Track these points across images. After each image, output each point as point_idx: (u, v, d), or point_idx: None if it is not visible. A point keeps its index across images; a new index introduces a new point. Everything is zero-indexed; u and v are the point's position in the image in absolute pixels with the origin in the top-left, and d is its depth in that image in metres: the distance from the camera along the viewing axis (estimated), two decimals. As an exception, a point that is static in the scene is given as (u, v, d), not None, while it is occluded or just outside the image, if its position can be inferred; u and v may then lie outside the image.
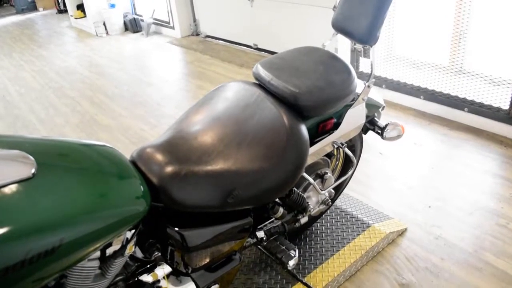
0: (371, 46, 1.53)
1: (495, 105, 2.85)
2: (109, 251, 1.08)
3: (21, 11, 10.24)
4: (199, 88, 4.23)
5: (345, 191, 2.34)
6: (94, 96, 4.35)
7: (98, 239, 0.94)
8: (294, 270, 1.86)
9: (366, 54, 3.52)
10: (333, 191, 1.79)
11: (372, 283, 1.85)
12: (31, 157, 0.90)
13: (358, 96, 1.61)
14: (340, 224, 2.10)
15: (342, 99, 1.48)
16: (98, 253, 1.05)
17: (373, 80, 1.60)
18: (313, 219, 2.04)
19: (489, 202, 2.25)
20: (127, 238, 1.11)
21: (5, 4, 11.74)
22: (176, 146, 1.23)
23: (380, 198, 2.36)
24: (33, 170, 0.87)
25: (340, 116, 1.60)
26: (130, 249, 1.12)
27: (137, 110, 3.86)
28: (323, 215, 2.14)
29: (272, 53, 4.90)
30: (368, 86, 1.60)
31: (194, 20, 6.17)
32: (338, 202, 2.25)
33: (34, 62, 5.83)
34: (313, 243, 2.00)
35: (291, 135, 1.29)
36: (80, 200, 0.92)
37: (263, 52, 5.04)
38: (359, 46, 3.48)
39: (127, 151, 3.17)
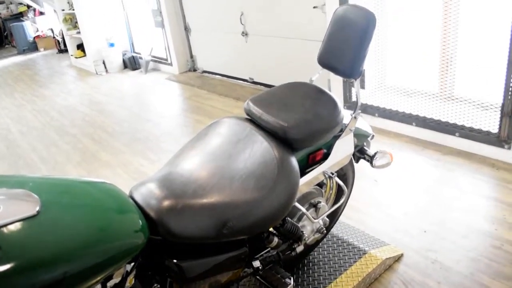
0: (355, 80, 1.61)
1: (484, 129, 2.92)
2: (110, 284, 1.12)
3: (23, 52, 10.48)
4: (198, 123, 4.32)
5: (341, 218, 2.39)
6: (95, 133, 4.44)
7: (100, 271, 0.99)
8: (292, 299, 1.89)
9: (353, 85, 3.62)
10: (327, 219, 1.84)
11: (370, 309, 1.88)
12: (35, 195, 0.96)
13: (346, 127, 1.68)
14: (336, 252, 2.13)
15: (329, 131, 1.55)
16: (99, 287, 1.10)
17: (359, 111, 1.67)
18: (309, 248, 2.08)
19: (483, 225, 2.29)
20: (127, 271, 1.16)
21: (6, 46, 12.02)
22: (173, 181, 1.29)
23: (376, 225, 2.40)
24: (37, 208, 0.93)
25: (329, 147, 1.67)
26: (130, 282, 1.17)
27: (137, 146, 3.94)
28: (320, 244, 2.18)
29: (268, 86, 5.01)
30: (355, 117, 1.68)
31: (191, 56, 6.33)
32: (334, 230, 2.29)
33: (35, 101, 5.95)
34: (310, 271, 2.04)
35: (281, 167, 1.36)
36: (82, 235, 0.98)
37: (259, 86, 5.16)
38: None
39: (128, 187, 3.20)
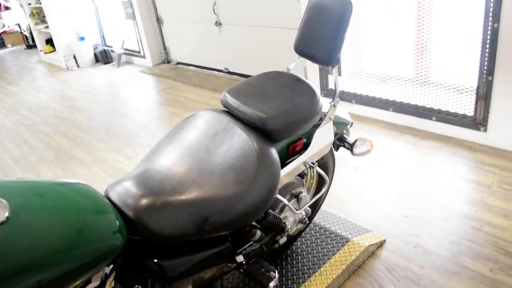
0: (333, 67, 1.58)
1: (460, 112, 2.95)
2: (88, 288, 1.08)
3: (-11, 49, 10.14)
4: (173, 115, 4.25)
5: (323, 207, 2.37)
6: (68, 130, 4.32)
7: (76, 277, 0.95)
8: (277, 291, 1.87)
9: (330, 72, 3.60)
10: (309, 209, 1.82)
11: (355, 297, 1.88)
12: (4, 201, 0.91)
13: (325, 115, 1.66)
14: (319, 241, 2.13)
15: (309, 120, 1.53)
16: (77, 292, 1.06)
17: (338, 99, 1.65)
18: (292, 239, 2.06)
19: (462, 207, 2.32)
20: (106, 274, 1.12)
21: (-28, 43, 11.61)
22: (150, 178, 1.24)
23: (357, 212, 2.41)
24: (6, 214, 0.88)
25: (309, 136, 1.65)
26: (110, 284, 1.13)
27: (112, 142, 3.85)
28: (302, 234, 2.17)
29: (243, 75, 4.97)
30: (334, 105, 1.66)
31: (165, 48, 6.23)
32: (316, 219, 2.28)
33: (4, 99, 5.76)
34: (294, 262, 2.02)
35: (261, 159, 1.33)
36: (56, 239, 0.93)
37: (234, 76, 5.11)
38: (326, 65, 3.57)
39: (104, 185, 3.13)
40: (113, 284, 1.15)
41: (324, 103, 1.65)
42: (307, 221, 1.82)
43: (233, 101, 1.52)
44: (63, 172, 3.42)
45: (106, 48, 6.94)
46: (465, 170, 2.65)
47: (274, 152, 1.40)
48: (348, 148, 1.86)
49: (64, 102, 5.27)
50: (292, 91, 1.57)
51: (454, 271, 1.94)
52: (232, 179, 1.27)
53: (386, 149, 3.00)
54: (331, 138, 1.75)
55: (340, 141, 1.88)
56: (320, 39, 1.56)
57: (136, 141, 3.80)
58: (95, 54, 7.01)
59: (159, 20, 6.04)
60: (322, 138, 1.69)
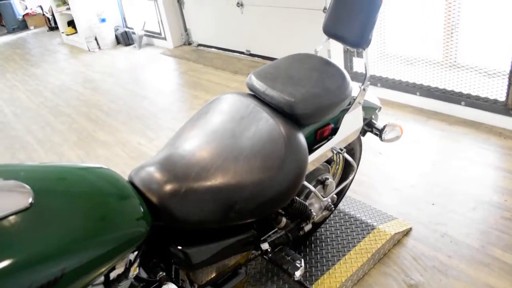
0: (364, 49, 1.52)
1: (491, 97, 2.84)
2: (113, 274, 1.07)
3: (12, 31, 10.22)
4: (195, 98, 4.22)
5: (347, 193, 2.33)
6: (90, 112, 4.34)
7: (101, 264, 0.93)
8: (301, 279, 1.84)
9: (359, 55, 3.52)
10: (335, 196, 1.78)
11: (381, 286, 1.84)
12: (27, 186, 0.89)
13: (354, 100, 1.60)
14: (344, 228, 2.08)
15: (338, 105, 1.47)
16: (102, 278, 1.04)
17: (368, 83, 1.59)
18: (316, 226, 2.03)
19: (492, 196, 2.24)
20: (130, 260, 1.10)
21: (-5, 25, 11.74)
22: (174, 163, 1.21)
23: (383, 199, 2.35)
24: (30, 200, 0.86)
25: (337, 122, 1.59)
26: (134, 270, 1.11)
27: (134, 124, 3.85)
28: (327, 220, 2.13)
29: (265, 58, 4.89)
30: (364, 89, 1.59)
31: (186, 30, 6.17)
32: (340, 205, 2.23)
33: (28, 81, 5.81)
34: (318, 249, 1.99)
35: (289, 144, 1.28)
36: (80, 226, 0.91)
37: (256, 58, 5.04)
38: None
39: (127, 167, 3.16)
40: (137, 271, 1.14)
41: (354, 87, 1.59)
42: (333, 208, 1.78)
43: (259, 84, 1.47)
44: (86, 154, 3.43)
45: (127, 29, 6.92)
46: (495, 157, 2.56)
47: (302, 138, 1.35)
48: (376, 134, 1.80)
49: (86, 84, 5.28)
50: (321, 74, 1.51)
51: (484, 262, 1.88)
52: (258, 166, 1.23)
53: (412, 135, 2.92)
54: (360, 124, 1.69)
55: (368, 126, 1.81)
56: (351, 20, 1.49)
57: (157, 123, 3.78)
58: (116, 36, 7.00)
59: (180, 1, 5.97)
60: (351, 124, 1.63)
